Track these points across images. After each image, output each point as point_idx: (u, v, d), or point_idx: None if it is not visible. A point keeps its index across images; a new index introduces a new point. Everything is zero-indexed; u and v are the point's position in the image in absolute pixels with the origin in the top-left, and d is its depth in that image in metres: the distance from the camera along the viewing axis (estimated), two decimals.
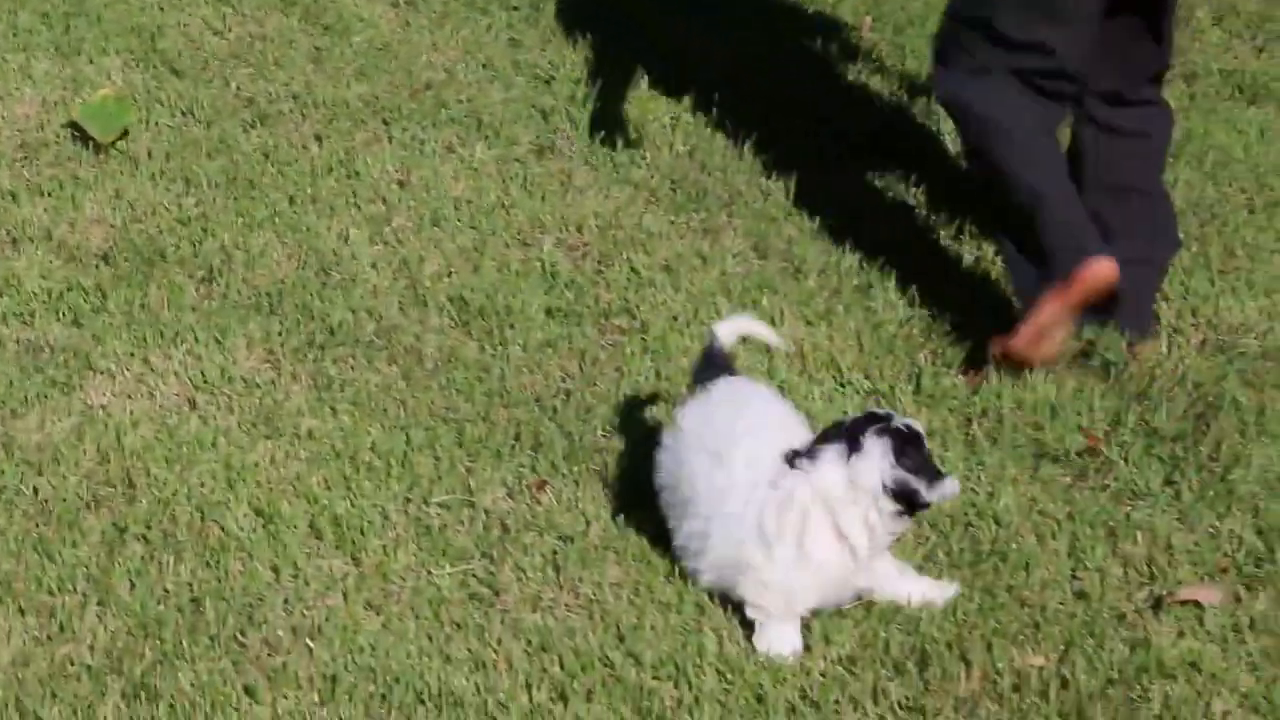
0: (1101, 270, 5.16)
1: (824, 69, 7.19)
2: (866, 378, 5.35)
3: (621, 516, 4.82)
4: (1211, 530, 4.75)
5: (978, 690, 4.29)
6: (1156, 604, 4.52)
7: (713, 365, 4.74)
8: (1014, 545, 4.70)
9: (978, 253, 5.95)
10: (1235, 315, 5.64)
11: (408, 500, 4.91)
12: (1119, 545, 4.71)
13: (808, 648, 4.37)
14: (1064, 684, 4.29)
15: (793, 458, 4.41)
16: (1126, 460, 5.03)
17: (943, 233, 6.08)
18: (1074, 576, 4.63)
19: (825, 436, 4.44)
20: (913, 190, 6.33)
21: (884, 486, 4.32)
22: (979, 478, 4.93)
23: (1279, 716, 4.18)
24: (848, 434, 4.39)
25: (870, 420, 4.41)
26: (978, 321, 5.53)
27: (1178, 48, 6.82)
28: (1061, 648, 4.39)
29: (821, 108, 6.87)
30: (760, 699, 4.26)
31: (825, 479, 4.35)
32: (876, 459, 4.34)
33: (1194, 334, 5.56)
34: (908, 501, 4.35)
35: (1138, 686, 4.28)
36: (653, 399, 5.24)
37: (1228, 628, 4.44)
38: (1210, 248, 5.99)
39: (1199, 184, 6.41)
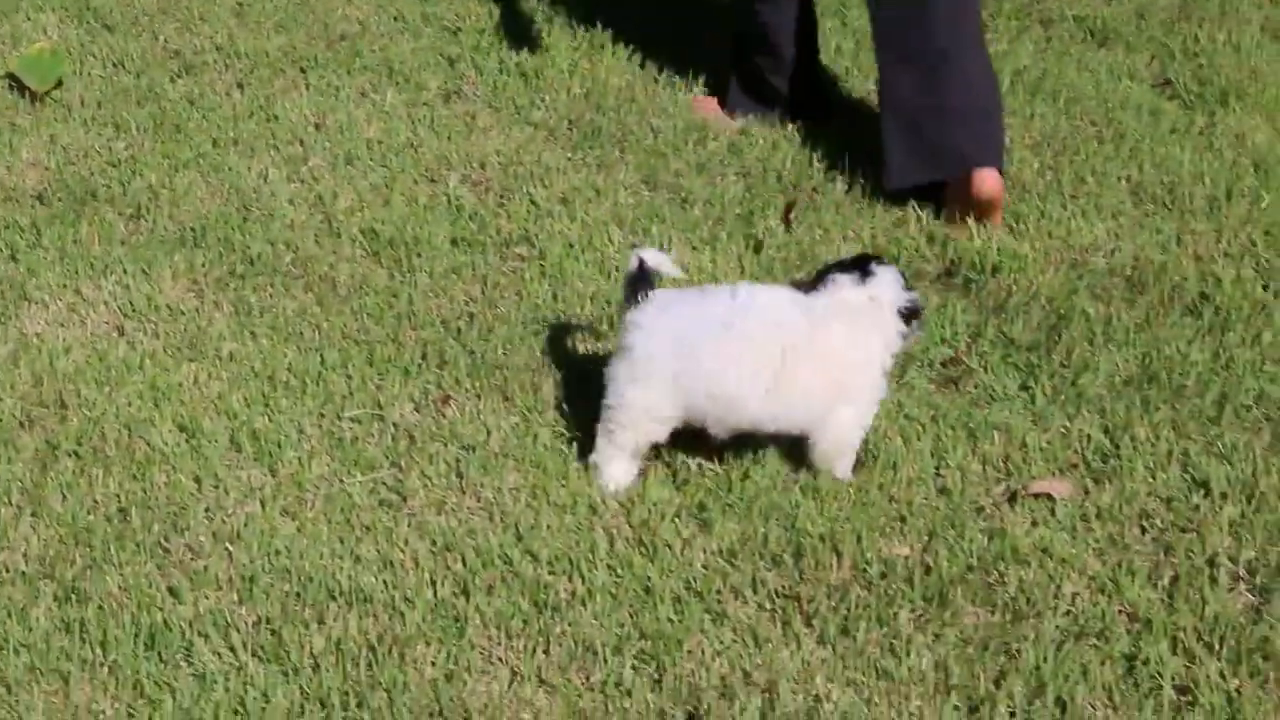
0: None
1: (713, 11, 7.12)
2: None
3: (520, 426, 4.77)
4: (1063, 430, 4.73)
5: (848, 578, 4.26)
6: (1012, 497, 4.50)
7: (645, 281, 4.52)
8: (882, 447, 4.67)
9: (855, 181, 5.91)
10: (1085, 236, 5.62)
11: (322, 415, 4.85)
12: (978, 445, 4.68)
13: (689, 542, 4.35)
14: (927, 570, 4.27)
15: (806, 285, 4.58)
16: (986, 368, 5.01)
17: (818, 166, 6.03)
18: (937, 474, 4.60)
19: (829, 270, 4.60)
20: (790, 127, 6.28)
21: (899, 308, 4.54)
22: None
23: (1122, 595, 4.16)
24: (855, 264, 4.58)
25: (866, 258, 4.63)
26: (849, 245, 5.52)
27: None
28: (925, 538, 4.37)
29: (709, 51, 6.80)
30: (648, 590, 4.22)
31: (850, 296, 4.51)
32: (890, 282, 4.54)
33: (1048, 253, 5.53)
34: (908, 322, 4.55)
35: (995, 572, 4.26)
36: (550, 320, 5.19)
37: (1076, 518, 4.42)
38: (1063, 175, 5.97)
39: (1054, 118, 6.38)
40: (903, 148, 5.76)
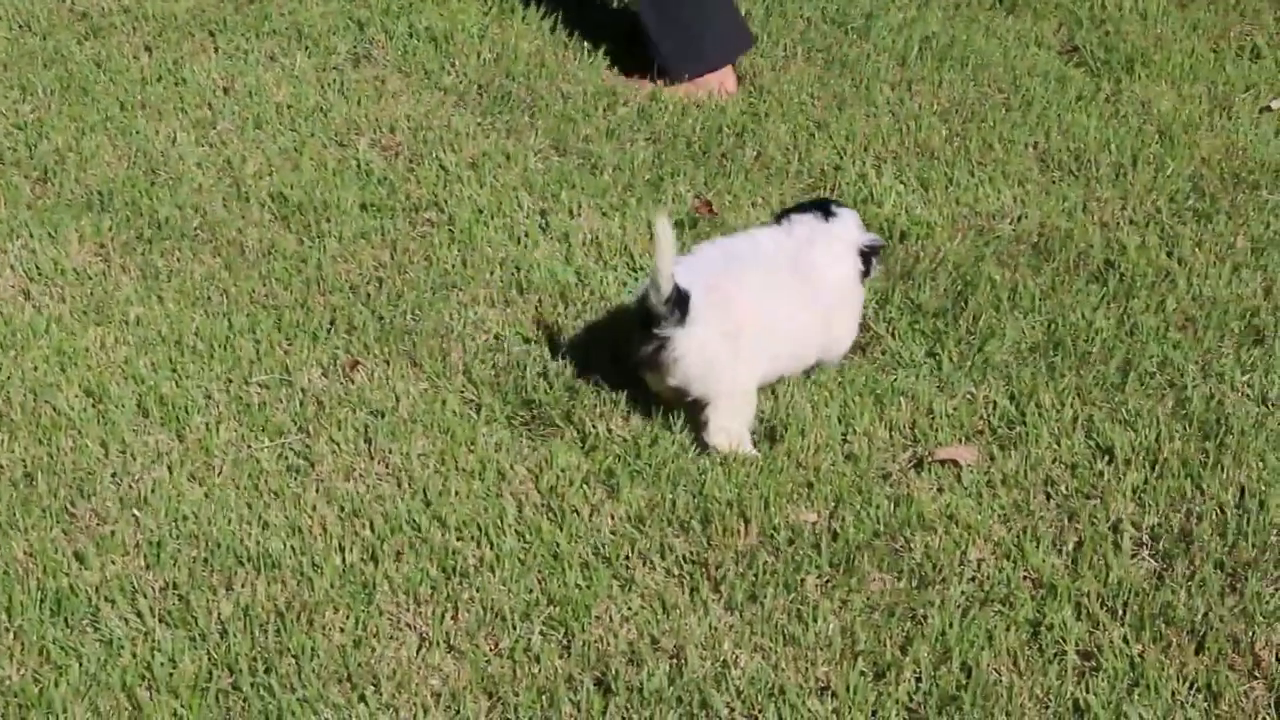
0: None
1: None
2: None
3: (428, 392, 4.75)
4: (969, 396, 4.75)
5: (756, 544, 4.27)
6: (918, 464, 4.52)
7: (682, 299, 4.43)
8: (790, 413, 4.67)
9: (760, 148, 5.91)
10: (992, 203, 5.64)
11: (229, 381, 4.81)
12: (885, 411, 4.70)
13: (597, 508, 4.35)
14: (834, 536, 4.28)
15: (780, 217, 4.85)
16: (893, 335, 5.02)
17: (727, 131, 6.03)
18: (844, 440, 4.61)
19: (793, 210, 4.87)
20: (704, 91, 6.27)
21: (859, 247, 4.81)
22: None
23: (1027, 561, 4.18)
24: (819, 206, 4.85)
25: (825, 200, 4.95)
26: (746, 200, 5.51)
27: None
28: (832, 504, 4.38)
29: (615, 18, 6.78)
30: (556, 556, 4.21)
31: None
32: (852, 224, 4.82)
33: (955, 220, 5.54)
34: (868, 261, 4.82)
35: (901, 538, 4.27)
36: (458, 285, 5.17)
37: (982, 484, 4.44)
38: (970, 142, 5.98)
39: (961, 85, 6.39)
40: (670, 42, 6.33)
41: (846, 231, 4.79)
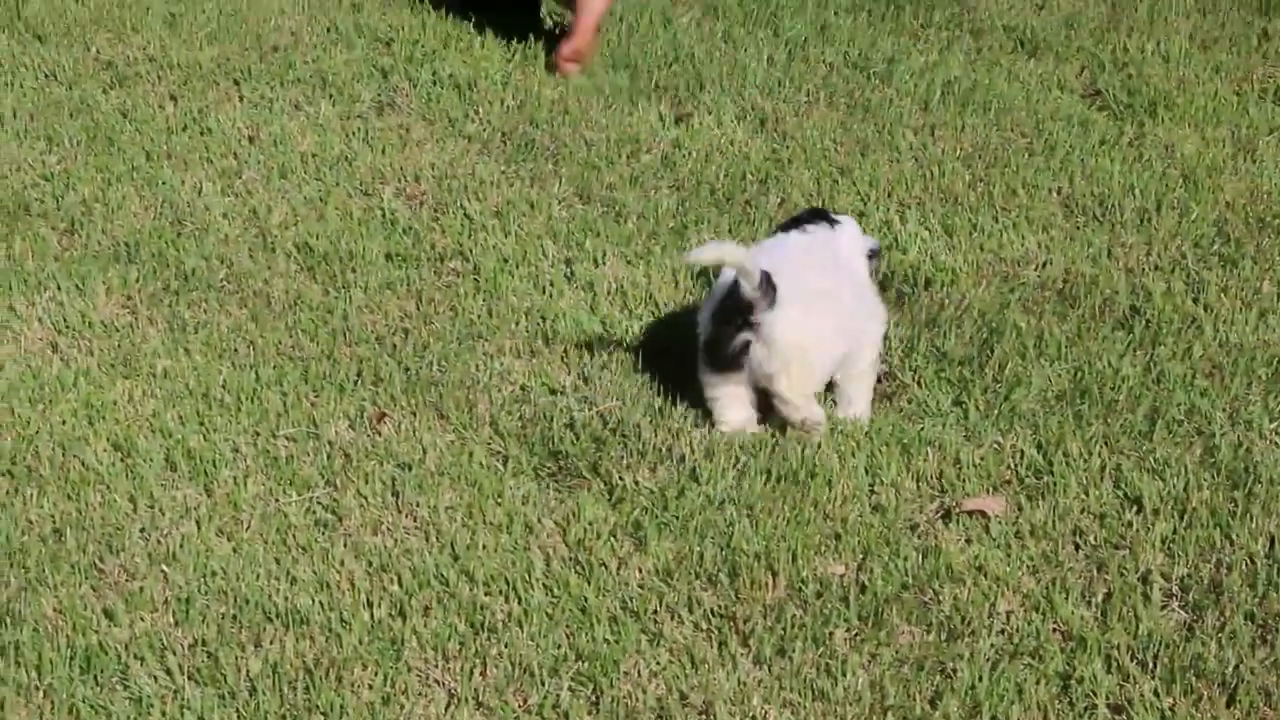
0: None
1: (643, 31, 7.10)
2: (683, 313, 5.28)
3: (455, 444, 4.74)
4: (996, 445, 4.73)
5: (784, 597, 4.25)
6: (946, 514, 4.50)
7: (770, 287, 4.66)
8: (818, 463, 4.65)
9: (783, 195, 5.90)
10: (1016, 249, 5.63)
11: (256, 434, 4.81)
12: (912, 461, 4.68)
13: (625, 561, 4.34)
14: (863, 589, 4.26)
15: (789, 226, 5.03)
16: (919, 383, 5.00)
17: (751, 178, 6.02)
18: (871, 490, 4.59)
19: (796, 220, 5.05)
20: (730, 136, 6.27)
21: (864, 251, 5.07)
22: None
23: (1056, 613, 4.16)
24: (820, 215, 5.06)
25: (822, 210, 5.16)
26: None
27: (965, 6, 6.84)
28: (860, 556, 4.36)
29: (640, 64, 6.78)
30: (584, 610, 4.20)
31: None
32: (854, 229, 5.06)
33: (980, 267, 5.53)
34: (871, 263, 5.06)
35: (929, 590, 4.25)
36: (484, 335, 5.17)
37: (1010, 535, 4.42)
38: (994, 188, 5.97)
39: (984, 130, 6.39)
40: None
41: (853, 235, 5.03)
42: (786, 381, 4.69)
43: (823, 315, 4.71)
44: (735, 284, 4.61)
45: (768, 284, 4.59)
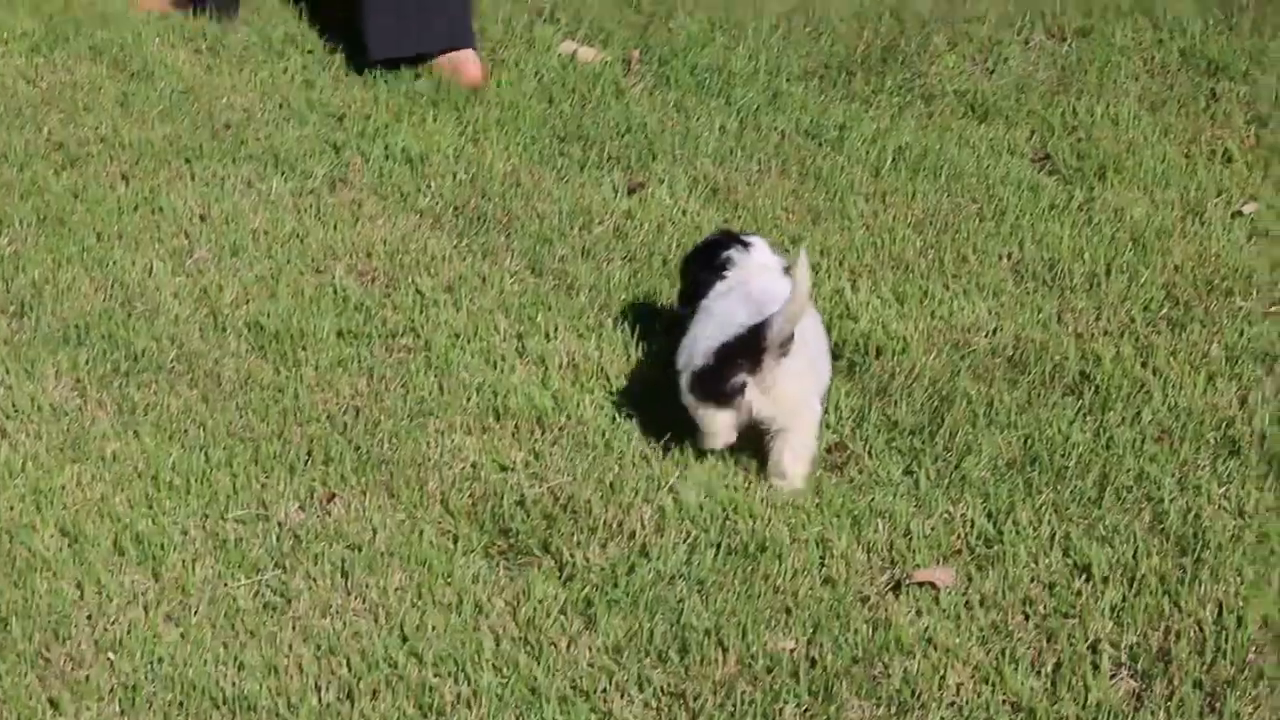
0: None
1: (595, 102, 7.11)
2: (636, 385, 5.28)
3: (405, 524, 4.73)
4: (946, 515, 4.73)
5: (734, 673, 4.24)
6: (896, 586, 4.49)
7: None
8: (768, 536, 4.64)
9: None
10: (967, 315, 5.63)
11: (206, 516, 4.79)
12: (862, 533, 4.67)
13: (574, 639, 4.32)
14: (813, 664, 4.25)
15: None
16: (870, 453, 5.00)
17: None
18: (822, 563, 4.58)
19: (712, 246, 5.22)
20: (683, 207, 6.27)
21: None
22: (740, 474, 4.87)
23: (1006, 685, 4.15)
24: (732, 238, 5.24)
25: (730, 233, 5.34)
26: None
27: (916, 72, 6.86)
28: (810, 630, 4.35)
29: (592, 135, 6.79)
30: (534, 691, 4.18)
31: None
32: (766, 250, 5.22)
33: (930, 334, 5.53)
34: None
35: (879, 664, 4.24)
36: (435, 413, 5.16)
37: (960, 605, 4.41)
38: (944, 254, 5.97)
39: (935, 196, 6.39)
40: (383, 21, 7.07)
41: (769, 257, 5.22)
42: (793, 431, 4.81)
43: (814, 365, 4.88)
44: (763, 325, 4.65)
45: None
